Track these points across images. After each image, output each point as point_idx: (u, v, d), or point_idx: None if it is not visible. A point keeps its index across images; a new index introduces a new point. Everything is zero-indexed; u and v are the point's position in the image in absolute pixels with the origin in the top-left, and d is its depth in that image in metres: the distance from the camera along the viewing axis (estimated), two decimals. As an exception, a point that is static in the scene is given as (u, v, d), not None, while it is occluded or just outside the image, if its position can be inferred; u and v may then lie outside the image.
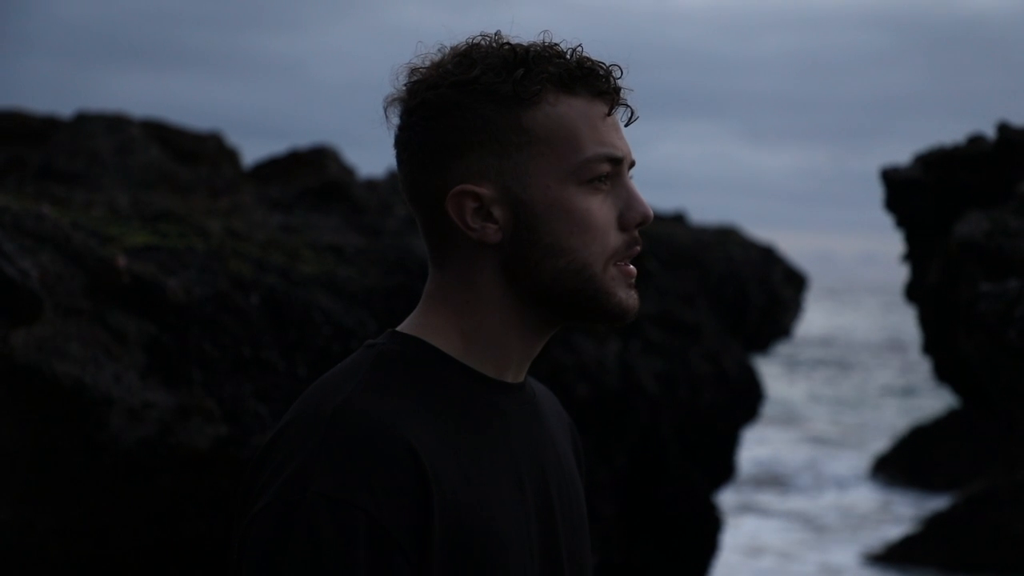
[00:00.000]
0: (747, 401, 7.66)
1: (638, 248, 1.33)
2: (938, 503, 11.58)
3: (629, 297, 1.32)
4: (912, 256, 5.35)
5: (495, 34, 1.30)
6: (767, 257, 8.82)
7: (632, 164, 1.32)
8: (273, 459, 1.23)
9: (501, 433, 1.31)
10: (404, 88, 1.31)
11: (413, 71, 1.31)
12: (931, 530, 9.82)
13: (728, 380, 7.52)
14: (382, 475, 1.19)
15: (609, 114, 1.30)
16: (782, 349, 12.37)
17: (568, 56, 1.29)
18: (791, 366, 27.28)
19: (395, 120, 1.32)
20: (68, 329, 3.49)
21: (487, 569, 1.24)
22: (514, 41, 1.29)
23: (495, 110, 1.27)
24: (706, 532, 7.30)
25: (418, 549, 1.19)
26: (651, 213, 1.33)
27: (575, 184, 1.28)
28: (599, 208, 1.30)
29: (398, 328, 1.35)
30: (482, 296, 1.31)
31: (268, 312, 4.23)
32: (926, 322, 5.32)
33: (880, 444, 15.77)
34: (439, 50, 1.31)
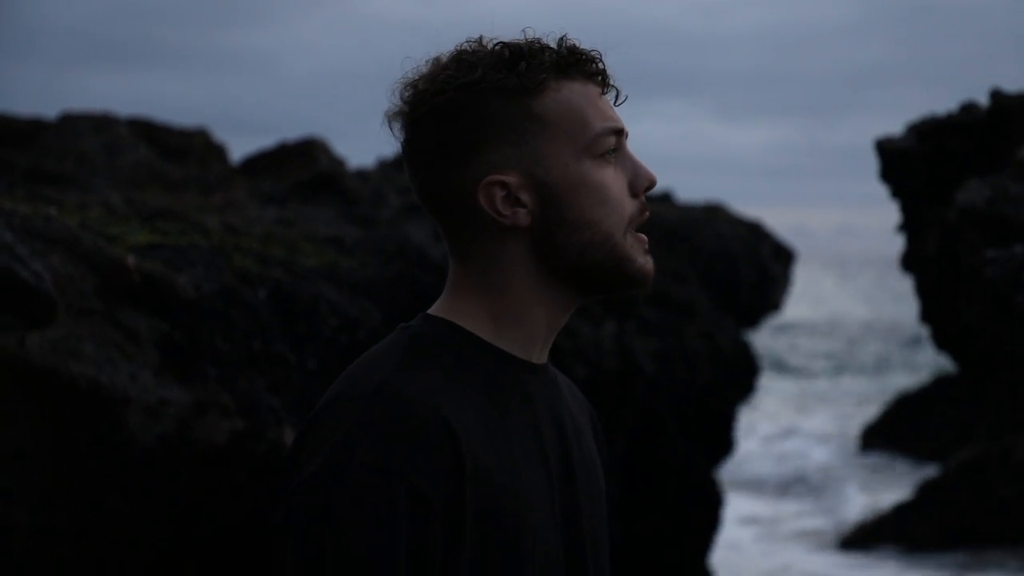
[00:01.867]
0: (742, 377, 7.71)
1: (648, 213, 1.42)
2: (928, 471, 11.69)
3: (647, 262, 1.41)
4: (908, 226, 5.39)
5: (478, 38, 1.38)
6: (755, 233, 8.87)
7: (626, 135, 1.42)
8: (318, 432, 1.30)
9: (528, 410, 1.38)
10: (406, 101, 1.38)
11: (409, 84, 1.38)
12: (923, 497, 9.90)
13: (723, 357, 7.56)
14: (421, 447, 1.26)
15: (603, 93, 1.40)
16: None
17: (559, 46, 1.38)
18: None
19: (400, 133, 1.39)
20: (82, 330, 3.47)
21: (514, 538, 1.31)
22: (504, 40, 1.38)
23: (505, 104, 1.34)
24: (707, 508, 7.34)
25: (453, 517, 1.27)
26: (656, 177, 1.42)
27: (590, 159, 1.36)
28: (613, 179, 1.38)
29: (429, 312, 1.42)
30: (513, 278, 1.38)
31: (276, 306, 4.22)
32: (924, 291, 5.36)
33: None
34: (427, 63, 1.38)
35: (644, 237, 1.41)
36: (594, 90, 1.38)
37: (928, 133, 5.11)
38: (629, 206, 1.39)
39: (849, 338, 31.14)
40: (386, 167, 7.05)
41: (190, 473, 3.68)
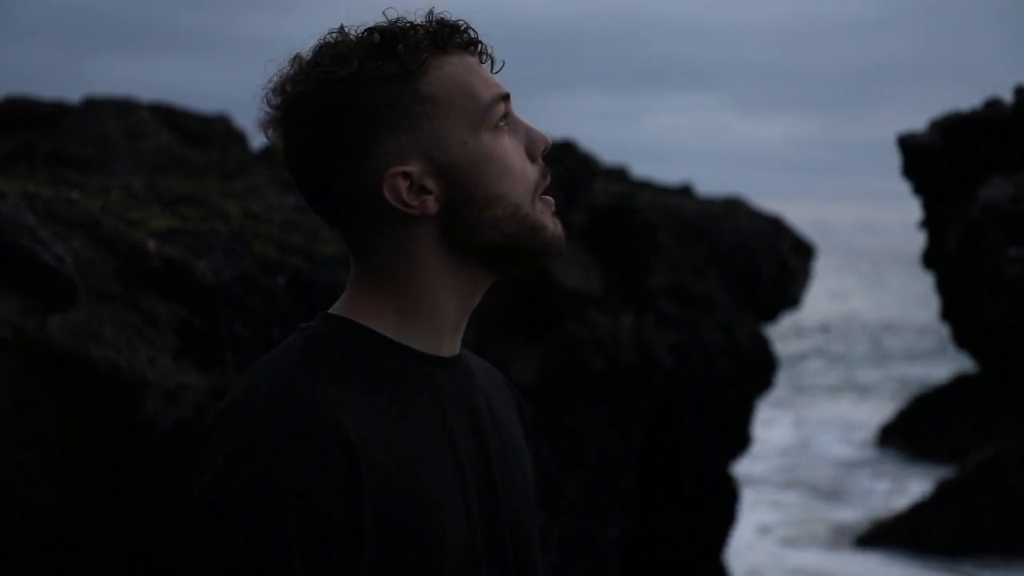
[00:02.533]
0: (760, 371, 7.68)
1: (549, 176, 1.38)
2: (945, 472, 11.63)
3: (556, 226, 1.37)
4: (930, 223, 5.35)
5: (339, 29, 1.32)
6: (775, 227, 8.83)
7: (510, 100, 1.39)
8: (210, 445, 1.27)
9: (435, 407, 1.34)
10: (278, 106, 1.31)
11: (276, 89, 1.31)
12: (941, 496, 9.86)
13: (741, 351, 7.54)
14: (313, 456, 1.22)
15: (482, 62, 1.35)
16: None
17: (428, 21, 1.33)
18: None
19: (276, 140, 1.33)
20: (102, 313, 3.49)
21: (421, 541, 1.27)
22: (369, 26, 1.32)
23: (391, 91, 1.29)
24: (723, 503, 7.33)
25: (351, 528, 1.23)
26: (550, 138, 1.38)
27: (487, 131, 1.32)
28: (511, 148, 1.34)
29: (329, 311, 1.38)
30: (422, 268, 1.33)
31: (295, 293, 4.23)
32: (945, 288, 5.32)
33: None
34: (289, 63, 1.32)
35: (551, 200, 1.37)
36: (472, 60, 1.34)
37: (951, 129, 5.07)
38: (532, 172, 1.35)
39: (869, 334, 31.02)
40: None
41: (208, 458, 3.69)
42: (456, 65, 1.32)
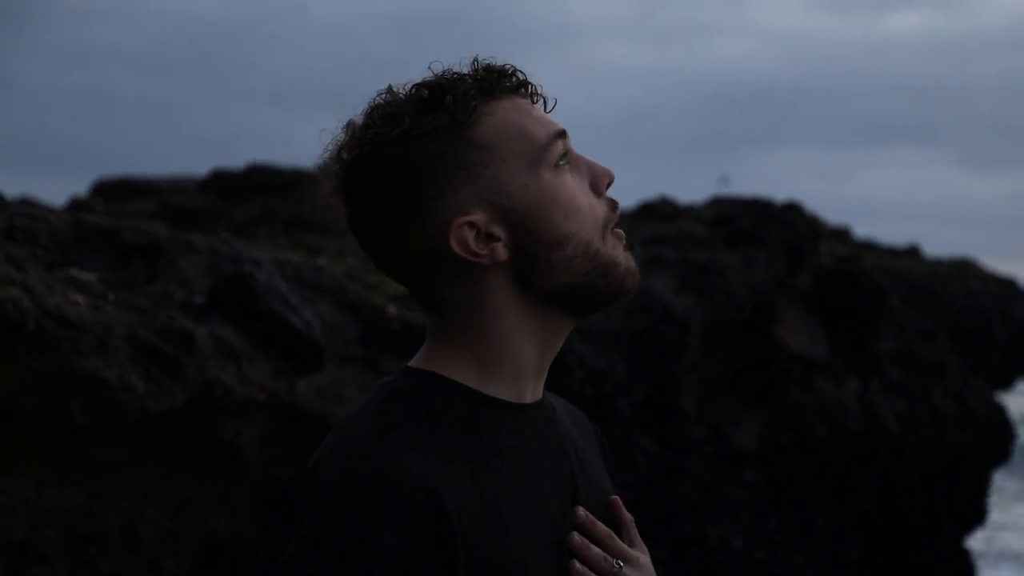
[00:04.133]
0: (996, 441, 7.32)
1: (618, 209, 1.34)
2: None
3: (629, 261, 1.33)
4: None
5: (387, 88, 1.31)
6: (1009, 290, 8.44)
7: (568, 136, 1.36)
8: (295, 508, 1.24)
9: (522, 457, 1.30)
10: (337, 173, 1.30)
11: (334, 157, 1.30)
12: None
13: (975, 419, 7.20)
14: (400, 517, 1.19)
15: (533, 102, 1.33)
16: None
17: (474, 69, 1.31)
18: None
19: (341, 208, 1.32)
20: (345, 376, 3.61)
21: None
22: (416, 82, 1.31)
23: (444, 143, 1.28)
24: (956, 579, 6.99)
25: None
26: (613, 171, 1.35)
27: (546, 171, 1.30)
28: (574, 185, 1.31)
29: (409, 364, 1.35)
30: (498, 317, 1.31)
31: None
32: None
33: None
34: (344, 129, 1.31)
35: (621, 233, 1.33)
36: (523, 102, 1.31)
37: None
38: (599, 208, 1.31)
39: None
40: (634, 214, 7.08)
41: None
42: (507, 109, 1.31)
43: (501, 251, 1.29)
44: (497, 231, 1.29)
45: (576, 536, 1.31)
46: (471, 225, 1.28)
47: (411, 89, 1.30)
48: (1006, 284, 8.50)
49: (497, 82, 1.32)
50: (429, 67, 1.31)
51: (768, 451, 6.12)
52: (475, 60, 1.32)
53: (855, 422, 6.56)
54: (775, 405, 6.16)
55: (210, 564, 3.45)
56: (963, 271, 8.48)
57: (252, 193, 6.64)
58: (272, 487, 3.50)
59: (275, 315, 3.32)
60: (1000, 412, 7.39)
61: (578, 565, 1.30)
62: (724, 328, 5.96)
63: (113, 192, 7.30)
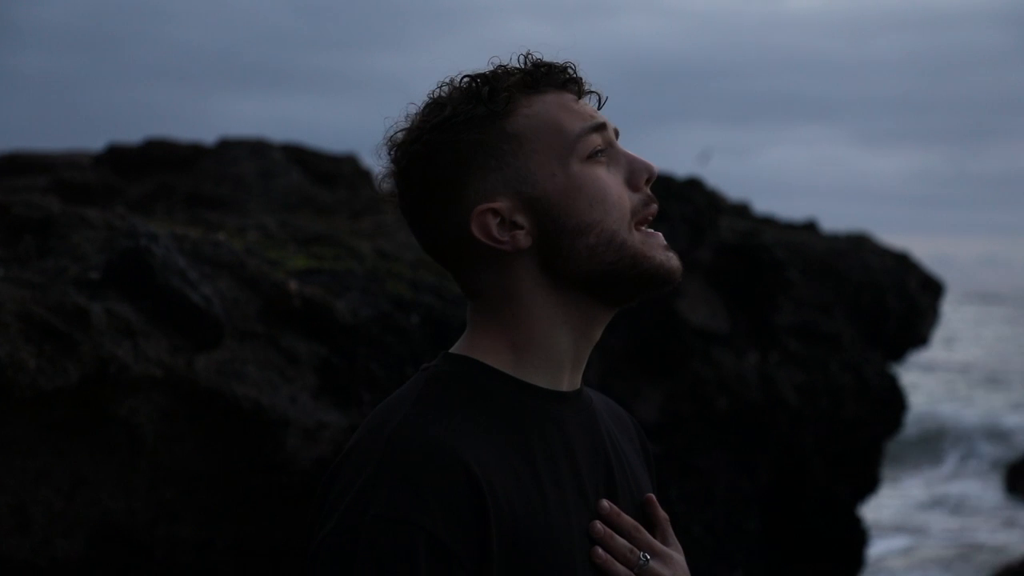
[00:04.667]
0: (889, 412, 7.51)
1: (655, 206, 1.37)
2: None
3: (669, 259, 1.36)
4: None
5: (449, 79, 1.37)
6: (902, 264, 8.64)
7: (617, 133, 1.39)
8: (336, 486, 1.28)
9: (559, 444, 1.33)
10: (390, 157, 1.37)
11: (391, 141, 1.37)
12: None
13: (869, 390, 7.38)
14: (439, 493, 1.22)
15: (580, 98, 1.37)
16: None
17: (524, 63, 1.37)
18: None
19: (392, 190, 1.38)
20: (245, 353, 3.57)
21: None
22: (468, 73, 1.37)
23: (478, 132, 1.33)
24: (851, 547, 7.17)
25: (478, 565, 1.23)
26: (655, 167, 1.37)
27: (578, 162, 1.33)
28: (606, 177, 1.35)
29: (450, 350, 1.39)
30: (527, 304, 1.35)
31: (428, 331, 4.27)
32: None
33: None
34: (405, 117, 1.38)
35: (659, 235, 1.37)
36: (568, 97, 1.36)
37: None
38: (630, 200, 1.35)
39: (992, 373, 30.13)
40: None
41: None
42: (547, 103, 1.35)
43: (523, 238, 1.33)
44: (521, 219, 1.33)
45: (599, 524, 1.33)
46: (494, 212, 1.32)
47: (462, 79, 1.36)
48: (899, 258, 8.70)
49: (542, 77, 1.36)
50: (489, 60, 1.37)
51: (670, 423, 6.20)
52: (526, 55, 1.37)
53: (754, 394, 6.68)
54: (676, 378, 6.24)
55: (106, 544, 3.39)
56: (859, 245, 8.66)
57: (149, 168, 6.51)
58: (170, 464, 3.45)
59: (173, 290, 3.26)
60: (893, 383, 7.58)
61: (600, 551, 1.32)
62: (626, 302, 6.01)
63: (3, 168, 7.09)
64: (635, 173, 1.36)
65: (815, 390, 7.10)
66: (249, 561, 3.78)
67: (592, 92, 1.38)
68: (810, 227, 8.83)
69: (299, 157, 6.89)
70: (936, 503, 13.06)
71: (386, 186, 1.38)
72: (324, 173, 6.97)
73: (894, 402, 7.57)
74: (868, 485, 7.51)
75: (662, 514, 1.43)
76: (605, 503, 1.35)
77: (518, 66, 1.36)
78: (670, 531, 1.43)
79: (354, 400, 3.80)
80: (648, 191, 1.37)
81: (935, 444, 16.97)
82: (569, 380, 1.37)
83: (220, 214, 5.70)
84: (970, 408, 20.74)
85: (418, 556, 1.20)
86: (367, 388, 3.87)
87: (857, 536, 7.24)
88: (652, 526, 1.42)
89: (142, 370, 3.19)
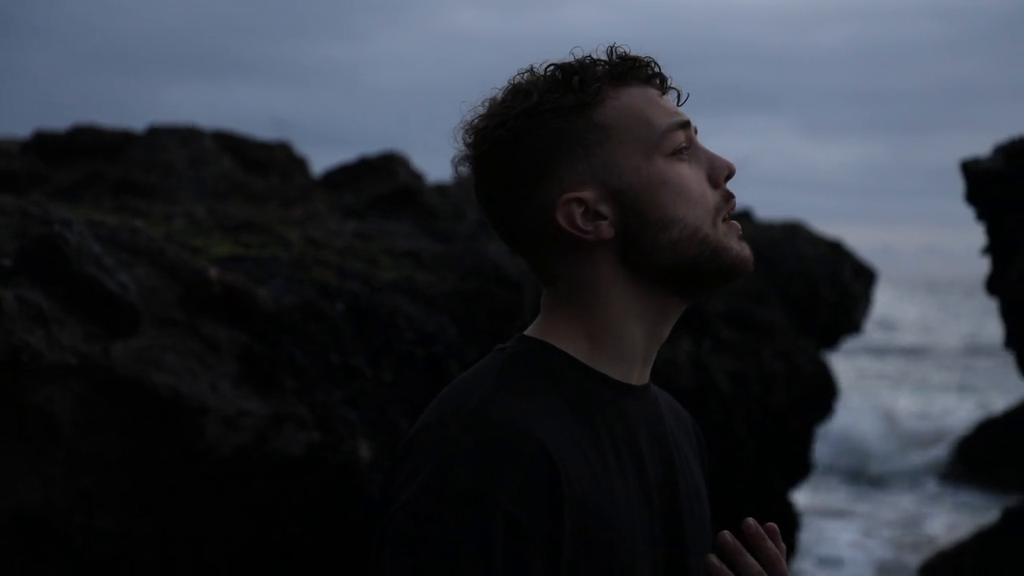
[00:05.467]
0: (821, 398, 7.61)
1: (735, 201, 1.39)
2: (1011, 501, 11.42)
3: (743, 249, 1.37)
4: (994, 248, 5.28)
5: (529, 67, 1.38)
6: (835, 252, 8.75)
7: (696, 130, 1.41)
8: (411, 460, 1.28)
9: (627, 436, 1.35)
10: (468, 143, 1.38)
11: (469, 126, 1.38)
12: (1008, 526, 9.66)
13: (801, 377, 7.47)
14: (516, 472, 1.23)
15: (663, 94, 1.39)
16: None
17: (609, 55, 1.38)
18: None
19: (470, 176, 1.39)
20: (164, 340, 3.54)
21: (610, 567, 1.28)
22: (553, 62, 1.37)
23: (566, 121, 1.34)
24: (784, 532, 7.25)
25: (550, 544, 1.24)
26: (734, 165, 1.40)
27: (662, 157, 1.35)
28: (688, 173, 1.36)
29: (525, 333, 1.40)
30: (605, 294, 1.36)
31: (353, 319, 4.26)
32: (1009, 315, 5.25)
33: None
34: (483, 103, 1.38)
35: (737, 224, 1.38)
36: (653, 92, 1.38)
37: (1016, 154, 5.01)
38: (712, 196, 1.36)
39: (935, 360, 30.59)
40: (466, 183, 7.08)
41: (266, 483, 3.72)
42: (634, 96, 1.36)
43: (606, 229, 1.33)
44: (604, 210, 1.33)
45: (714, 559, 1.36)
46: (579, 201, 1.33)
47: (546, 68, 1.36)
48: (833, 247, 8.80)
49: (629, 70, 1.37)
50: (571, 52, 1.38)
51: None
52: (611, 47, 1.38)
53: (687, 380, 6.73)
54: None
55: (22, 533, 3.35)
56: (793, 234, 8.75)
57: (77, 156, 6.42)
58: (88, 453, 3.41)
59: (87, 277, 3.22)
60: (824, 370, 7.67)
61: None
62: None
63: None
64: (716, 170, 1.38)
65: (747, 377, 7.17)
66: (169, 550, 3.75)
67: (673, 88, 1.41)
68: (744, 216, 8.90)
69: (230, 145, 6.83)
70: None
71: (463, 170, 1.39)
72: (256, 161, 6.92)
73: (826, 389, 7.67)
74: (800, 471, 7.60)
75: (772, 550, 1.41)
76: (728, 537, 1.37)
77: (604, 58, 1.37)
78: (783, 568, 1.41)
79: (276, 387, 3.78)
80: (727, 187, 1.39)
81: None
82: (639, 374, 1.38)
83: (148, 202, 5.64)
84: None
85: (494, 533, 1.20)
86: (290, 375, 3.85)
87: (789, 521, 7.33)
88: (757, 553, 1.41)
89: (56, 358, 3.15)
